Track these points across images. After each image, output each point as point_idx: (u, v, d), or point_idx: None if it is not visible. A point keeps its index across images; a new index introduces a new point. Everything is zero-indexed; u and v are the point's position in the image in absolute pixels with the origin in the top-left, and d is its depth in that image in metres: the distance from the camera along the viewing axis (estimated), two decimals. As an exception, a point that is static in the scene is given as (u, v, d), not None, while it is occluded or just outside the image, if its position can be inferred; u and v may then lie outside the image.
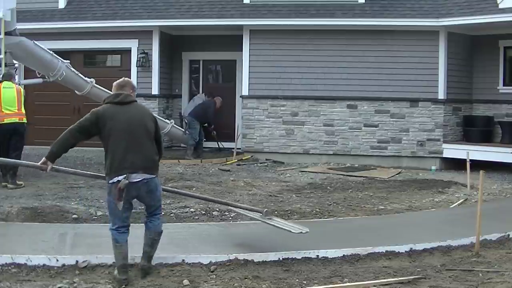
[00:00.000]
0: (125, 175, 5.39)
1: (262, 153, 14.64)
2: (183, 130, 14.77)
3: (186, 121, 14.77)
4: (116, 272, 5.50)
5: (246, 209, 6.96)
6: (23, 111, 10.27)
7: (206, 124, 14.83)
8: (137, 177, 5.46)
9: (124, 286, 5.37)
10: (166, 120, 14.32)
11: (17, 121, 10.14)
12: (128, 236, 5.57)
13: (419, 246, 6.58)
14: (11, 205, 8.24)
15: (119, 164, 5.43)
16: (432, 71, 13.91)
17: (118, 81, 5.76)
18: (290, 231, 6.29)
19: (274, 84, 14.50)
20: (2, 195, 9.12)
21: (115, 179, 5.42)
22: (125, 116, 5.53)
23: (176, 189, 7.60)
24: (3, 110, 10.05)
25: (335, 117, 14.35)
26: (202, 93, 15.75)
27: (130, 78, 16.17)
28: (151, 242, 5.69)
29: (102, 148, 5.55)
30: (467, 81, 14.53)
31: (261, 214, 6.71)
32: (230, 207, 7.30)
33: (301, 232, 6.27)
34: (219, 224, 7.25)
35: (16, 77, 11.36)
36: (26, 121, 10.39)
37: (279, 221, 6.73)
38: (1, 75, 10.32)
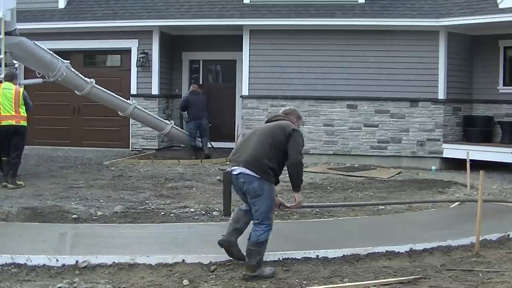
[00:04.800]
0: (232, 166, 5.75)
1: (262, 153, 14.57)
2: (183, 130, 14.73)
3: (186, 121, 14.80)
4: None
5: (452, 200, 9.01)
6: (22, 113, 10.18)
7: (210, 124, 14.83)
8: (236, 170, 5.67)
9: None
10: (166, 121, 14.30)
11: (14, 123, 10.11)
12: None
13: (419, 246, 6.57)
14: (11, 205, 8.25)
15: (230, 158, 5.91)
16: (432, 71, 13.89)
17: (284, 109, 6.20)
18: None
19: (274, 84, 14.48)
20: (2, 195, 9.12)
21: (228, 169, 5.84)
22: (256, 127, 6.00)
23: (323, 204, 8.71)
24: (1, 112, 10.03)
25: (335, 117, 14.34)
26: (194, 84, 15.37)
27: (130, 78, 16.27)
28: (247, 253, 5.63)
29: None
30: (467, 81, 14.52)
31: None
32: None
33: None
34: (219, 224, 7.24)
35: (17, 77, 11.33)
36: (25, 124, 10.28)
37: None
38: (4, 75, 10.29)
